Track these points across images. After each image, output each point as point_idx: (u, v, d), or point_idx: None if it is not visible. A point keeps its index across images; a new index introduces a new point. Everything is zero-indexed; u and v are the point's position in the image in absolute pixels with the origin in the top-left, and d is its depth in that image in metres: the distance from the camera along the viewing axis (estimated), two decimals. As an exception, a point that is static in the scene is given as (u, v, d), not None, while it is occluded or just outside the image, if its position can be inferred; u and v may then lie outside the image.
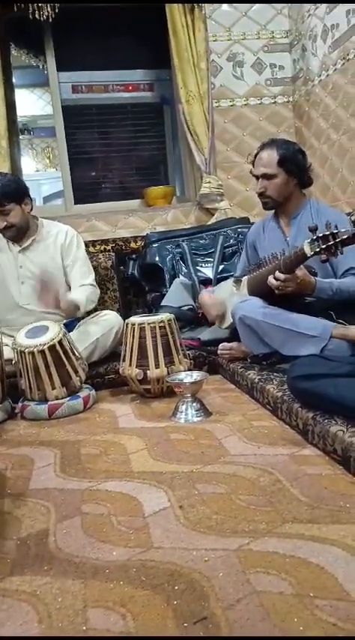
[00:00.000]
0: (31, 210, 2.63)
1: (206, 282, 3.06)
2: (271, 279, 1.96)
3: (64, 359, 2.25)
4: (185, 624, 0.88)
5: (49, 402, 2.22)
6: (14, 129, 3.53)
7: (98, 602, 0.96)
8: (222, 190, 3.50)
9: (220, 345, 2.53)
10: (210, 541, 1.13)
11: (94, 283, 2.71)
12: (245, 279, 2.36)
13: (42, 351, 2.19)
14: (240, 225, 3.29)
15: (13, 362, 2.28)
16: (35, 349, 2.19)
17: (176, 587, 0.98)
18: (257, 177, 2.25)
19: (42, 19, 3.19)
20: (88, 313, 2.72)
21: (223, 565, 1.03)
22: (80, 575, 1.05)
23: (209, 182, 3.45)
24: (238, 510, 1.25)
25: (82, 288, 2.63)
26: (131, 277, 3.33)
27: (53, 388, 2.24)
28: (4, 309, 2.66)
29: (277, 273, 1.92)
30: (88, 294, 2.62)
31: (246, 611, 0.90)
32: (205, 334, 2.75)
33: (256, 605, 0.91)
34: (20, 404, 2.29)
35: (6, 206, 2.48)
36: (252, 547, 1.09)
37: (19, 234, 2.60)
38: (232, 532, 1.16)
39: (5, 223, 2.51)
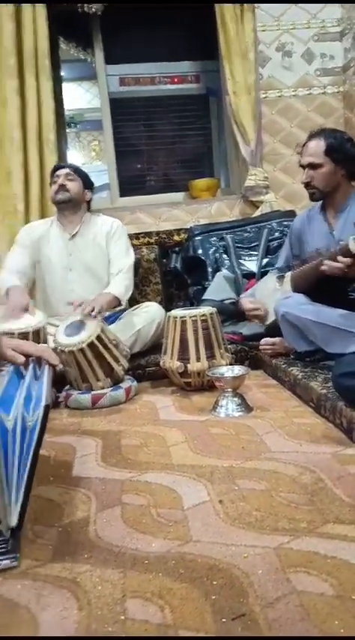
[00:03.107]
0: (89, 204, 2.84)
1: (249, 276, 3.03)
2: (332, 263, 1.86)
3: (104, 352, 2.27)
4: (223, 620, 0.88)
5: (93, 392, 2.26)
6: (62, 122, 3.58)
7: (137, 593, 0.97)
8: (267, 183, 3.45)
9: (262, 339, 2.49)
10: (249, 537, 1.12)
11: (131, 268, 2.75)
12: (288, 275, 2.32)
13: (81, 349, 2.22)
14: (285, 219, 3.24)
15: (58, 350, 2.31)
16: (74, 348, 2.22)
17: (214, 582, 0.98)
18: (303, 168, 2.20)
19: (91, 12, 3.21)
20: (131, 305, 2.75)
21: (262, 562, 1.02)
22: (119, 565, 1.06)
23: (254, 174, 3.41)
24: (278, 508, 1.23)
25: (119, 279, 2.67)
26: (173, 270, 3.32)
27: (98, 380, 2.28)
28: (52, 296, 2.74)
29: (340, 257, 1.83)
30: (127, 282, 2.68)
31: (285, 611, 0.89)
32: (247, 328, 2.72)
33: (296, 604, 0.90)
34: (64, 393, 2.33)
35: (73, 175, 2.73)
36: (292, 546, 1.07)
37: (69, 207, 2.74)
38: (272, 530, 1.14)
39: (64, 183, 2.69)
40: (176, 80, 3.91)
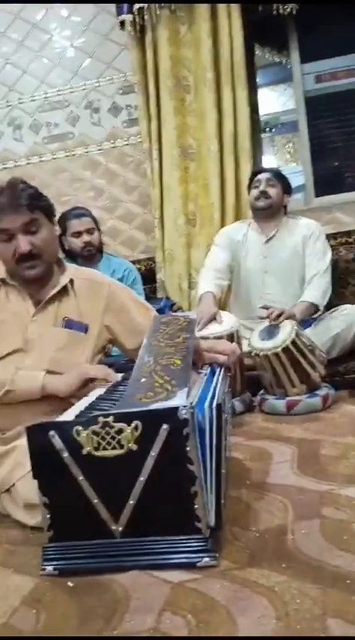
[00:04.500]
0: (286, 208, 2.80)
1: None
2: None
3: (300, 357, 2.22)
4: None
5: (288, 398, 2.23)
6: (257, 128, 3.61)
7: (338, 613, 0.91)
8: None
9: None
10: None
11: (328, 271, 2.66)
12: None
13: (276, 354, 2.20)
14: None
15: (253, 354, 2.33)
16: (269, 352, 2.21)
17: None
18: None
19: (286, 13, 3.18)
20: (327, 308, 2.64)
21: None
22: (319, 581, 1.01)
23: None
24: None
25: (315, 284, 2.59)
26: (375, 271, 3.11)
27: (293, 386, 2.24)
28: (247, 298, 2.78)
29: None
30: (324, 287, 2.59)
31: None
32: None
33: None
34: (259, 397, 2.34)
35: (273, 180, 2.72)
36: None
37: (269, 214, 2.73)
38: None
39: (266, 190, 2.69)
40: (378, 66, 3.66)
